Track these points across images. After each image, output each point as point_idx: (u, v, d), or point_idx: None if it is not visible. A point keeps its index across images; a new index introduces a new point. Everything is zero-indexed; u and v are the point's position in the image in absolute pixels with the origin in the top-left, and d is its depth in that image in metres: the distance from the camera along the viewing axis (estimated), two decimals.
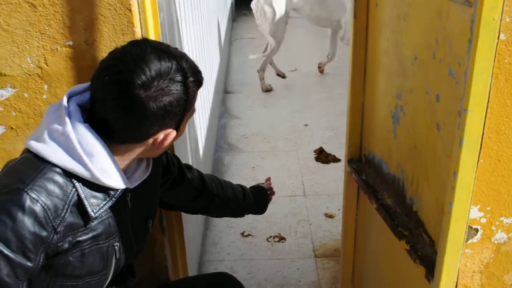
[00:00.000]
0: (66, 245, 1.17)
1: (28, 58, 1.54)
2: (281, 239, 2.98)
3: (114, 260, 1.32)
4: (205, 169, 3.31)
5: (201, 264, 2.78)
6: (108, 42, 1.51)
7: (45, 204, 1.11)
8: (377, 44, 1.52)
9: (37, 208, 1.09)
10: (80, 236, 1.19)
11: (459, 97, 1.03)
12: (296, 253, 2.85)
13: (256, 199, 1.91)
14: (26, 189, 1.09)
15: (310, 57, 6.39)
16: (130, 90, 1.11)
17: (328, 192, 3.41)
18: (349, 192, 1.85)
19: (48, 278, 1.20)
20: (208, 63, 3.83)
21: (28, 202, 1.08)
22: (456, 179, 1.04)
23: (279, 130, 4.42)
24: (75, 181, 1.16)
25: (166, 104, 1.15)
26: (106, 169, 1.18)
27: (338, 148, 3.96)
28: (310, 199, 3.35)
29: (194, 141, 2.81)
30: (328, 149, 3.96)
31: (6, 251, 1.07)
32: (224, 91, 5.33)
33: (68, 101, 1.21)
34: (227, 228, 3.10)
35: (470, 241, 1.23)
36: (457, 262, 1.13)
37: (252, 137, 4.33)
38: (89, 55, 1.53)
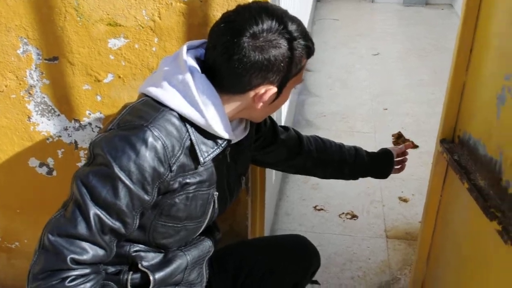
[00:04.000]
0: (176, 185, 1.26)
1: (143, 11, 1.62)
2: (353, 216, 3.00)
3: (211, 209, 1.40)
4: None
5: (273, 231, 2.85)
6: (221, 1, 1.57)
7: (165, 142, 1.20)
8: (488, 24, 1.50)
9: (158, 144, 1.18)
10: (189, 179, 1.28)
11: None
12: (367, 232, 2.87)
13: (374, 162, 1.86)
14: (149, 126, 1.19)
15: (393, 42, 6.28)
16: (239, 36, 1.18)
17: (404, 177, 3.37)
18: (437, 173, 1.84)
19: (152, 216, 1.30)
20: None
21: (150, 138, 1.17)
22: None
23: (357, 112, 4.40)
24: (188, 126, 1.25)
25: (271, 56, 1.19)
26: (218, 118, 1.25)
27: (417, 135, 3.92)
28: (385, 181, 3.32)
29: (277, 112, 2.86)
30: (406, 135, 3.92)
31: (128, 182, 1.17)
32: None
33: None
34: (301, 201, 3.15)
35: None
36: None
37: (330, 116, 4.33)
38: (201, 12, 1.60)
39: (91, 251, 1.19)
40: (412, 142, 3.79)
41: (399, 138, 3.89)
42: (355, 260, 2.66)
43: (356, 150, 1.85)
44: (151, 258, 1.40)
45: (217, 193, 1.39)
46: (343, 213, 3.04)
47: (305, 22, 5.37)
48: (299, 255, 1.80)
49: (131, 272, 1.38)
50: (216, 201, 1.41)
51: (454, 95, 1.67)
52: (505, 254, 1.28)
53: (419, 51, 5.84)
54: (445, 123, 1.72)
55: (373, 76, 5.21)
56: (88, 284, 1.19)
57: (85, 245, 1.18)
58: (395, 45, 6.14)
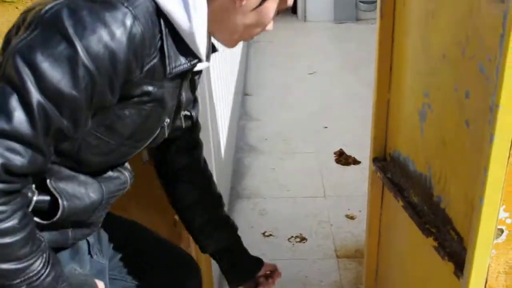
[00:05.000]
0: (138, 92, 1.02)
1: None
2: (302, 239, 2.99)
3: (153, 137, 1.17)
4: (227, 170, 3.32)
5: None
6: None
7: (145, 33, 0.94)
8: (403, 43, 1.53)
9: (138, 32, 0.93)
10: (152, 88, 1.04)
11: (490, 93, 1.04)
12: (318, 254, 2.86)
13: (240, 254, 1.65)
14: (129, 7, 0.92)
15: (328, 59, 6.38)
16: None
17: (349, 194, 3.40)
18: (374, 191, 1.86)
19: (91, 123, 1.03)
20: (230, 63, 3.87)
21: (129, 22, 0.91)
22: (487, 174, 1.04)
23: (298, 132, 4.42)
24: (163, 26, 0.99)
25: None
26: (200, 29, 1.03)
27: (358, 150, 3.95)
28: (331, 200, 3.35)
29: (216, 141, 2.83)
30: (348, 151, 3.96)
31: (93, 70, 0.90)
32: (242, 93, 5.35)
33: None
34: (249, 228, 3.12)
35: (495, 241, 1.22)
36: (488, 256, 1.13)
37: (272, 139, 4.33)
38: None
39: (27, 157, 0.88)
40: (354, 158, 3.83)
41: (341, 155, 3.92)
42: (308, 284, 2.63)
43: (232, 227, 1.66)
44: (64, 177, 1.08)
45: (168, 120, 1.17)
46: (292, 236, 3.02)
47: (240, 46, 5.38)
48: (176, 269, 1.56)
49: (36, 192, 1.04)
50: (166, 129, 1.18)
51: (380, 113, 1.69)
52: (443, 270, 1.29)
53: (353, 66, 5.95)
54: (375, 141, 1.74)
55: (311, 95, 5.27)
56: (15, 206, 0.91)
57: (19, 147, 0.87)
58: (330, 62, 6.24)
